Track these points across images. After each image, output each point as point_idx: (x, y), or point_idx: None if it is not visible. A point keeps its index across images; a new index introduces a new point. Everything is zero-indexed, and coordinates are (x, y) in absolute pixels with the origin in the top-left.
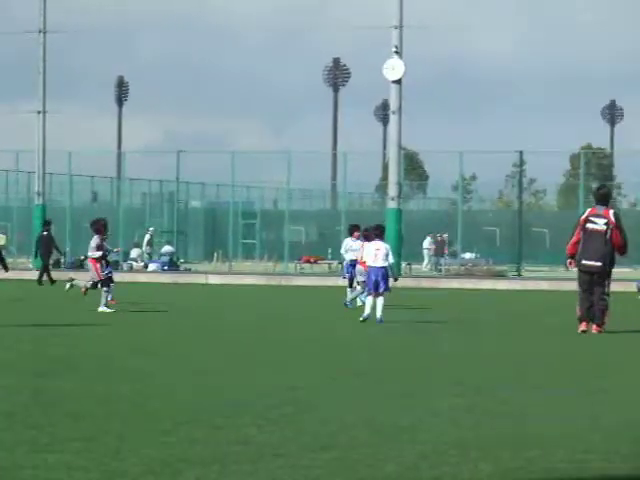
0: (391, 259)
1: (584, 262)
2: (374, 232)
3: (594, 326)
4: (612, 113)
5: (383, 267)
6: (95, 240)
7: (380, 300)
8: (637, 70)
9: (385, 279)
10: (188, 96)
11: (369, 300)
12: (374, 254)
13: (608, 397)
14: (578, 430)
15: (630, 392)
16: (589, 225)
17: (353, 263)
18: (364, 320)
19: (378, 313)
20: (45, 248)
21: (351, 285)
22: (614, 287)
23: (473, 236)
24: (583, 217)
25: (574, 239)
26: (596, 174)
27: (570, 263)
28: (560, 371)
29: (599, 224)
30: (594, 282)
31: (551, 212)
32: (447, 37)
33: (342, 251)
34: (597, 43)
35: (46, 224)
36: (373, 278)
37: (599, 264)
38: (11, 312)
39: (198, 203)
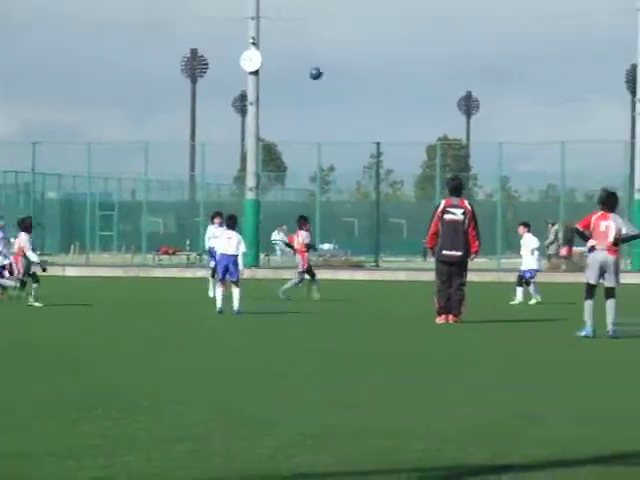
0: (242, 248)
1: (444, 252)
2: (226, 222)
3: (450, 316)
4: (468, 105)
5: (234, 255)
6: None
7: (236, 291)
8: (492, 62)
9: (236, 267)
10: (44, 87)
11: (219, 292)
12: (226, 242)
13: (463, 386)
14: (433, 419)
15: (484, 381)
16: (447, 216)
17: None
18: (220, 312)
19: (235, 304)
20: None
21: (214, 275)
22: (470, 277)
23: (331, 227)
24: (440, 209)
25: (432, 231)
26: (452, 165)
27: (431, 255)
28: (416, 361)
29: (457, 214)
30: (453, 273)
31: (408, 203)
32: (305, 29)
33: (206, 238)
34: (454, 35)
35: None
36: (224, 264)
37: (459, 254)
38: None
39: (55, 194)
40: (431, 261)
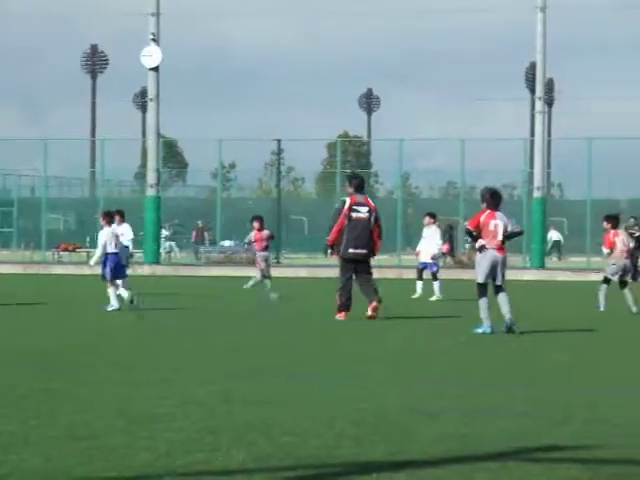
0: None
1: (351, 250)
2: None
3: (374, 303)
4: (369, 102)
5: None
6: None
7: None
8: (393, 59)
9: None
10: None
11: (112, 290)
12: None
13: (360, 383)
14: (331, 416)
15: (381, 378)
16: (354, 214)
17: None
18: (117, 310)
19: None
20: None
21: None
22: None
23: (233, 224)
24: (347, 206)
25: (337, 228)
26: (353, 162)
27: (332, 253)
28: (315, 358)
29: (363, 212)
30: (358, 270)
31: (309, 200)
32: (206, 25)
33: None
34: (356, 32)
35: None
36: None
37: (365, 251)
38: None
39: None
40: (333, 258)
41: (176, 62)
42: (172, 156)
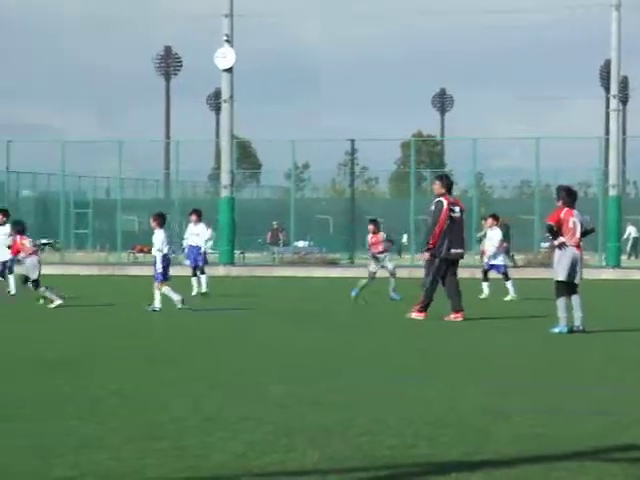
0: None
1: (453, 251)
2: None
3: (460, 314)
4: (442, 101)
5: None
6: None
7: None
8: (467, 58)
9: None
10: (16, 86)
11: (167, 289)
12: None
13: (437, 383)
14: (406, 417)
15: (458, 378)
16: (452, 214)
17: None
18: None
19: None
20: None
21: (195, 274)
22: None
23: (306, 224)
24: (446, 207)
25: (439, 229)
26: (427, 161)
27: (431, 254)
28: (391, 359)
29: (457, 212)
30: (449, 270)
31: (383, 200)
32: (279, 26)
33: (185, 236)
34: (430, 31)
35: None
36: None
37: (463, 251)
38: None
39: (29, 193)
40: (406, 257)
41: (249, 63)
42: (246, 157)
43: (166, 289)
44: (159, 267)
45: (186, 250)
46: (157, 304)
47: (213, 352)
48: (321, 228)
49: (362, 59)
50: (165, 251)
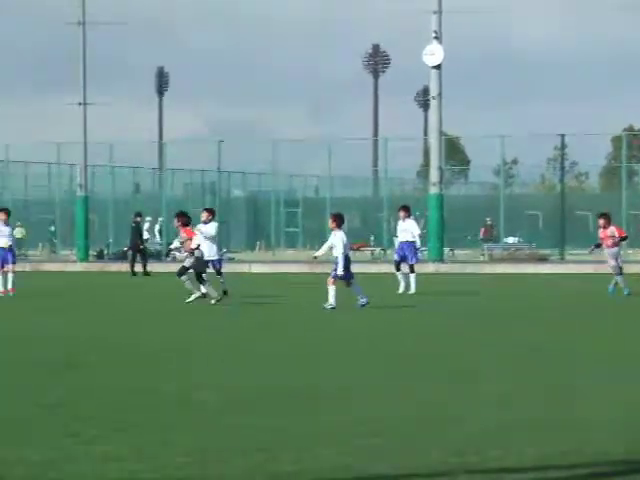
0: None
1: None
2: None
3: None
4: None
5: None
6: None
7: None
8: None
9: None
10: (228, 85)
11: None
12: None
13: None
14: (625, 415)
15: None
16: None
17: (403, 244)
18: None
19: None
20: (134, 239)
21: (399, 268)
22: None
23: (516, 220)
24: None
25: None
26: (638, 156)
27: None
28: (597, 357)
29: None
30: None
31: (594, 195)
32: (487, 21)
33: (397, 234)
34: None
35: (136, 215)
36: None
37: None
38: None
39: (240, 192)
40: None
41: (458, 58)
42: (454, 153)
43: (332, 288)
44: (340, 267)
45: (397, 246)
46: (331, 300)
47: (429, 347)
48: (531, 224)
49: (572, 52)
50: (345, 251)
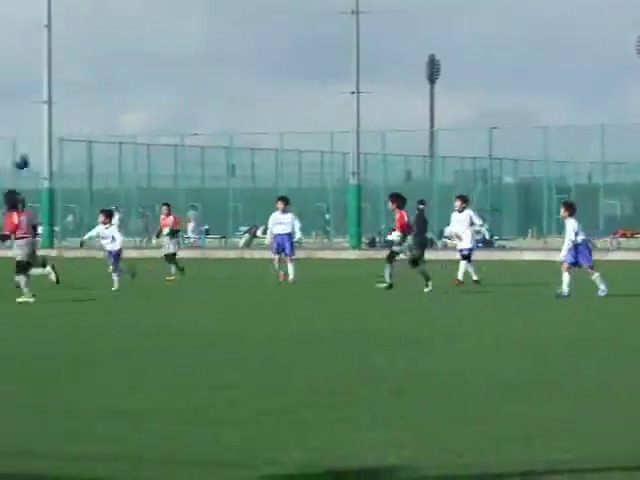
0: None
1: None
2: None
3: None
4: None
5: None
6: None
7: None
8: None
9: None
10: (499, 73)
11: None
12: None
13: None
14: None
15: None
16: None
17: None
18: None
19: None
20: (419, 226)
21: None
22: None
23: None
24: None
25: None
26: None
27: None
28: None
29: None
30: None
31: None
32: None
33: None
34: None
35: (420, 203)
36: None
37: None
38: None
39: (511, 179)
40: None
41: None
42: None
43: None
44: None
45: None
46: (564, 287)
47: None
48: None
49: None
50: (576, 240)
